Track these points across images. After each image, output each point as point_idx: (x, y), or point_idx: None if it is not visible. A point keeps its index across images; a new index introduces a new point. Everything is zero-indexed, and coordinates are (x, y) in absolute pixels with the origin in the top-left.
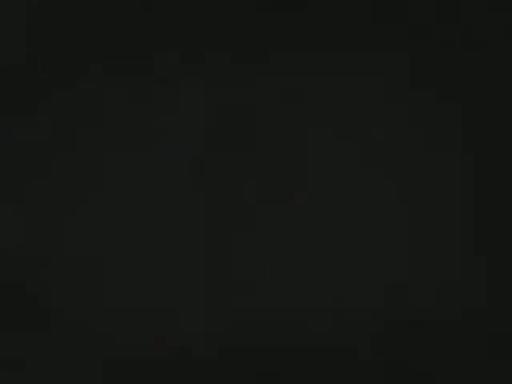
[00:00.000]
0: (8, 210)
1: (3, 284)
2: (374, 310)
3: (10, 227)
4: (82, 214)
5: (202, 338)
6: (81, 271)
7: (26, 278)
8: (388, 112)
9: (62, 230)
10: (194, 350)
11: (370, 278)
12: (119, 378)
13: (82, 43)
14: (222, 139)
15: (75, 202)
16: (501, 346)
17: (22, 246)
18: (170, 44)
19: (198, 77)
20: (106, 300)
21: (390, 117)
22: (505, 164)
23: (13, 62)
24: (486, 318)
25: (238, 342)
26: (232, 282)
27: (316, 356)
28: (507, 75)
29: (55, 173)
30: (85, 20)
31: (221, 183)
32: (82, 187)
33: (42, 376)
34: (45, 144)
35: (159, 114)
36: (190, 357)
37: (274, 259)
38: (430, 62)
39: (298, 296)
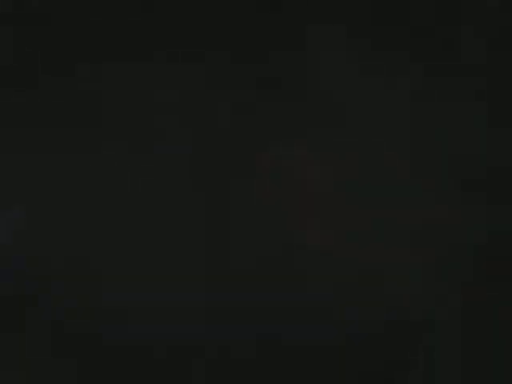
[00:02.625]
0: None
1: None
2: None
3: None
4: (80, 213)
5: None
6: (79, 270)
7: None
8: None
9: (60, 228)
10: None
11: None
12: (118, 377)
13: (81, 42)
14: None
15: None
16: (501, 347)
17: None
18: (169, 44)
19: (197, 76)
20: (105, 298)
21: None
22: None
23: (12, 63)
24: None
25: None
26: (232, 280)
27: (315, 355)
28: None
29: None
30: (85, 20)
31: (220, 183)
32: (80, 186)
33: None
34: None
35: (159, 113)
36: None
37: (273, 256)
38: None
39: (297, 294)
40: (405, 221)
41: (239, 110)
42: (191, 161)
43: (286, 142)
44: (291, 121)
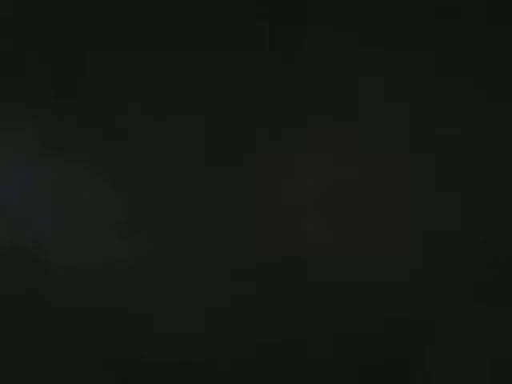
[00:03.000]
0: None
1: None
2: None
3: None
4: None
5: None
6: (80, 261)
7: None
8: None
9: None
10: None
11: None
12: (122, 379)
13: (80, 47)
14: (222, 141)
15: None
16: (501, 347)
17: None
18: (170, 45)
19: (197, 77)
20: (108, 299)
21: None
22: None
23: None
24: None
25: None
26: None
27: (316, 355)
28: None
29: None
30: (85, 27)
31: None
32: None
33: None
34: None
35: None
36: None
37: (273, 257)
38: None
39: (298, 295)
40: (407, 221)
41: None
42: (203, 163)
43: (290, 142)
44: (292, 121)
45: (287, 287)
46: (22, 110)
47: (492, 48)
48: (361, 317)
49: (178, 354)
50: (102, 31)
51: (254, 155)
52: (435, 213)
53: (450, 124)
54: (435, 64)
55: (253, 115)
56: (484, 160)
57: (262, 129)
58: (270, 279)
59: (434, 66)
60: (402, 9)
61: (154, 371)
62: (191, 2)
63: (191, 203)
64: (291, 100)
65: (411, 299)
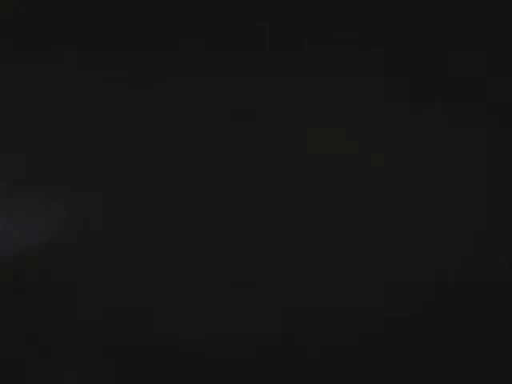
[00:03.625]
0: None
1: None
2: (374, 310)
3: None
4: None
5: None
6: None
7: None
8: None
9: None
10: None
11: (370, 278)
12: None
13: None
14: (223, 142)
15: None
16: (503, 347)
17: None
18: (170, 45)
19: (197, 77)
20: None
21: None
22: None
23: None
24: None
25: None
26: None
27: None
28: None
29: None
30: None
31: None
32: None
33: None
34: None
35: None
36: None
37: (273, 259)
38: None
39: (299, 296)
40: (408, 221)
41: (240, 111)
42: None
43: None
44: (292, 122)
45: (287, 287)
46: None
47: (492, 48)
48: (361, 317)
49: (178, 354)
50: (102, 31)
51: (254, 155)
52: (435, 213)
53: (450, 124)
54: (435, 64)
55: (253, 115)
56: (484, 160)
57: (261, 129)
58: (269, 279)
59: (434, 66)
60: (403, 9)
61: (154, 371)
62: (191, 1)
63: (191, 202)
64: (291, 100)
65: (411, 299)
